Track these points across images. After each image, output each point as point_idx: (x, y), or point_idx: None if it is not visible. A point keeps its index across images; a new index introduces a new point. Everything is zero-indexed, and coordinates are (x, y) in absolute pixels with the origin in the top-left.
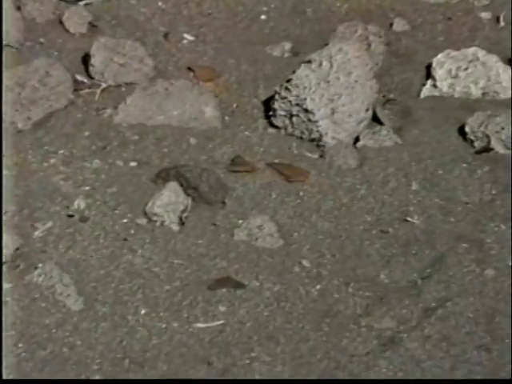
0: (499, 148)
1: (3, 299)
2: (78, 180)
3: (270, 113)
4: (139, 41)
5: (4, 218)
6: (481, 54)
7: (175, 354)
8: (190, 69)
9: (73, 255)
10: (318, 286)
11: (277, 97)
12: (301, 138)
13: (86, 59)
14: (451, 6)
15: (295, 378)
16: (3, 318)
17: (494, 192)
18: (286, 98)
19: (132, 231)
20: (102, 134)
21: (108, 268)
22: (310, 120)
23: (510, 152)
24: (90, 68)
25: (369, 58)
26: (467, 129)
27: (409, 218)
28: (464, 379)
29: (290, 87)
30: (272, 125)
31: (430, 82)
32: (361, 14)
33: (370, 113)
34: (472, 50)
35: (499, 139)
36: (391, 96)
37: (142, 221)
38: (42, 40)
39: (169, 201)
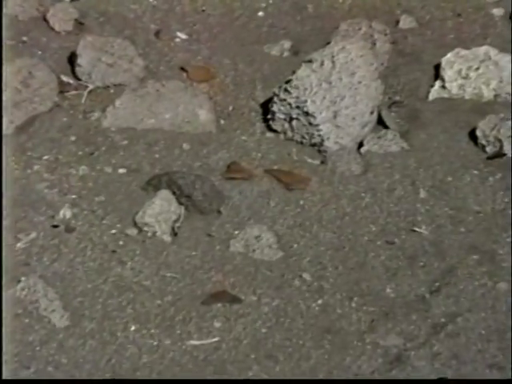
0: None
1: None
2: (63, 188)
3: (269, 116)
4: (129, 39)
5: None
6: (493, 52)
7: (167, 373)
8: (183, 69)
9: (58, 268)
10: (320, 301)
11: (275, 99)
12: (301, 142)
13: (72, 59)
14: (461, 1)
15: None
16: None
17: (506, 200)
18: (285, 100)
19: (121, 242)
20: (89, 138)
21: (96, 282)
22: (310, 124)
23: None
24: (77, 68)
25: (373, 57)
26: (478, 133)
27: (416, 228)
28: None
29: (289, 88)
30: (270, 129)
31: (438, 83)
32: (365, 11)
33: (375, 116)
34: (483, 48)
35: None
36: (397, 98)
37: (132, 231)
38: (24, 38)
39: (160, 210)
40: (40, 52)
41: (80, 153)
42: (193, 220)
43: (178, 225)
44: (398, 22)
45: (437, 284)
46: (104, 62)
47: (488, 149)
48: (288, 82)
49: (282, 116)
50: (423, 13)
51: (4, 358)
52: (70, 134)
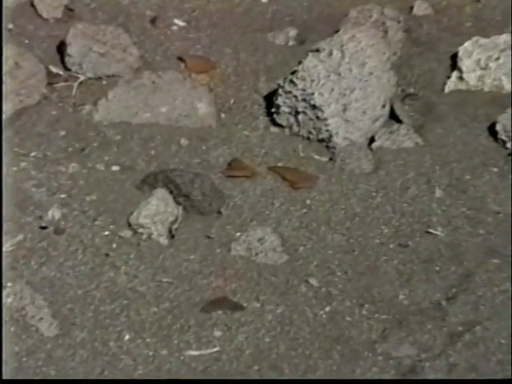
0: None
1: None
2: (52, 187)
3: (273, 109)
4: (122, 27)
5: None
6: None
7: None
8: (180, 59)
9: (46, 273)
10: (328, 308)
11: (280, 91)
12: (308, 138)
13: (61, 48)
14: None
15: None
16: None
17: None
18: (290, 92)
19: (114, 245)
20: (79, 133)
21: (87, 287)
22: (318, 118)
23: None
24: (66, 58)
25: (385, 46)
26: (498, 127)
27: (432, 230)
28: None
29: (295, 80)
30: (275, 123)
31: (455, 74)
32: None
33: (387, 109)
34: (504, 37)
35: None
36: (411, 90)
37: (126, 233)
38: (10, 26)
39: (156, 210)
40: (27, 41)
41: (70, 149)
42: (191, 221)
43: (175, 226)
44: (411, 8)
45: (454, 290)
46: (96, 52)
47: (509, 144)
48: (294, 72)
49: (287, 109)
50: None
51: None
52: (59, 129)
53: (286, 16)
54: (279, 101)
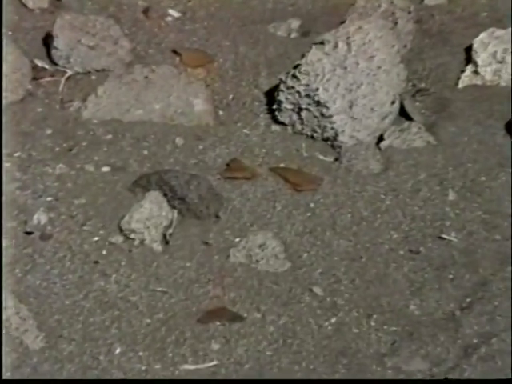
0: None
1: None
2: (38, 189)
3: (274, 106)
4: (113, 18)
5: None
6: None
7: None
8: (175, 52)
9: (32, 281)
10: (333, 319)
11: (282, 86)
12: (312, 136)
13: (47, 40)
14: None
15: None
16: None
17: None
18: (293, 87)
19: (104, 252)
20: (67, 132)
21: (75, 297)
22: (322, 115)
23: None
24: (53, 51)
25: (395, 38)
26: None
27: (444, 236)
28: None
29: (298, 75)
30: (276, 121)
31: (470, 67)
32: None
33: (397, 106)
34: None
35: None
36: (422, 85)
37: (117, 239)
38: None
39: (150, 214)
40: (11, 32)
41: (57, 149)
42: (187, 226)
43: (170, 231)
44: None
45: (468, 300)
46: (84, 45)
47: None
48: (296, 66)
49: (290, 106)
50: None
51: None
52: (45, 127)
53: (288, 6)
54: (281, 97)
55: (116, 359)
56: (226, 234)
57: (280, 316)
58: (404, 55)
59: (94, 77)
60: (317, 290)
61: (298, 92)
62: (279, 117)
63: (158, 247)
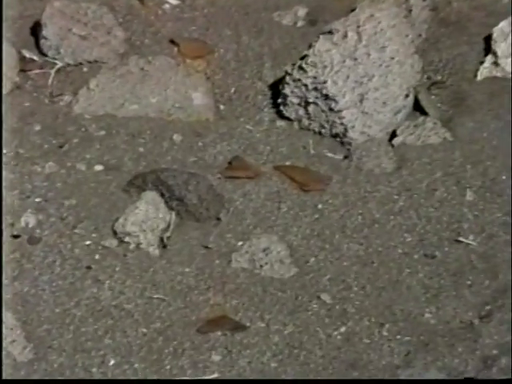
0: None
1: None
2: (25, 189)
3: (279, 100)
4: (106, 5)
5: None
6: None
7: None
8: (173, 42)
9: (19, 288)
10: (343, 329)
11: (288, 79)
12: (319, 133)
13: (35, 30)
14: None
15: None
16: None
17: None
18: (299, 80)
19: (97, 256)
20: (57, 128)
21: (66, 305)
22: (331, 109)
23: None
24: (42, 41)
25: (409, 27)
26: None
27: (462, 239)
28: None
29: (305, 66)
30: (281, 116)
31: (489, 58)
32: None
33: (411, 100)
34: None
35: None
36: (438, 77)
37: (111, 243)
38: None
39: (146, 216)
40: None
41: (46, 146)
42: (186, 229)
43: (167, 234)
44: None
45: (487, 308)
46: (75, 34)
47: None
48: (303, 58)
49: (296, 100)
50: None
51: None
52: (33, 123)
53: None
54: (287, 90)
55: (110, 372)
56: (228, 238)
57: (285, 325)
58: (419, 45)
59: (85, 69)
60: (325, 297)
61: (305, 85)
62: (284, 111)
63: (154, 251)
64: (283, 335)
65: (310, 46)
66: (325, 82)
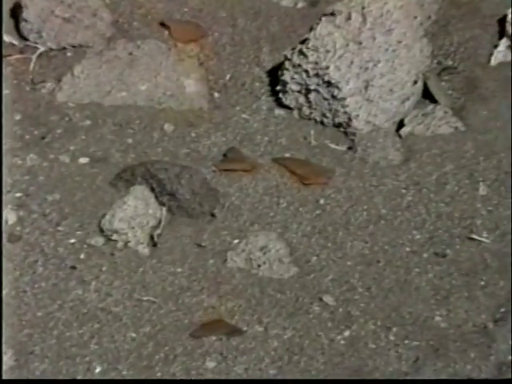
0: None
1: None
2: (5, 183)
3: (278, 87)
4: None
5: None
6: None
7: None
8: (163, 25)
9: None
10: (347, 333)
11: (287, 64)
12: (321, 122)
13: (15, 12)
14: None
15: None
16: None
17: None
18: (300, 66)
19: (83, 256)
20: (39, 117)
21: (49, 308)
22: (334, 97)
23: None
24: (22, 24)
25: (417, 8)
26: None
27: (475, 236)
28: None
29: (305, 51)
30: (280, 104)
31: (504, 42)
32: None
33: (420, 87)
34: None
35: None
36: (449, 63)
37: (97, 241)
38: None
39: (135, 212)
40: None
41: (27, 137)
42: (178, 226)
43: (158, 232)
44: None
45: (502, 310)
46: (58, 16)
47: None
48: (303, 41)
49: (296, 87)
50: None
51: None
52: (14, 112)
53: None
54: (286, 77)
55: (96, 379)
56: (223, 235)
57: (285, 329)
58: (428, 28)
59: (69, 54)
60: (327, 299)
61: (306, 71)
62: (284, 99)
63: (144, 250)
64: (282, 340)
65: (310, 29)
66: (327, 68)
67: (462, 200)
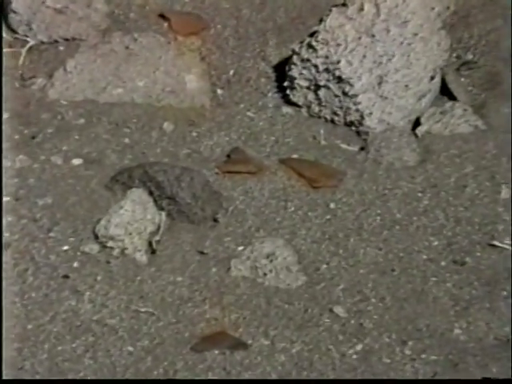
0: None
1: None
2: None
3: (286, 83)
4: None
5: None
6: None
7: None
8: (162, 17)
9: None
10: (359, 346)
11: (295, 59)
12: (332, 121)
13: (3, 3)
14: None
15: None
16: None
17: None
18: (308, 60)
19: (76, 264)
20: (29, 116)
21: (40, 320)
22: (345, 94)
23: None
24: (11, 16)
25: None
26: None
27: (496, 243)
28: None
29: (314, 44)
30: (288, 102)
31: None
32: None
33: (437, 82)
34: None
35: None
36: (469, 57)
37: (92, 248)
38: None
39: (132, 218)
40: None
41: (16, 136)
42: (178, 232)
43: (156, 238)
44: None
45: None
46: (50, 7)
47: None
48: (313, 34)
49: (305, 83)
50: None
51: None
52: (2, 110)
53: None
54: (294, 72)
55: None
56: (226, 242)
57: (293, 343)
58: (446, 19)
59: (61, 47)
60: (338, 310)
61: (315, 66)
62: (291, 96)
63: (142, 258)
64: (290, 354)
65: (320, 21)
66: (338, 63)
67: (482, 204)
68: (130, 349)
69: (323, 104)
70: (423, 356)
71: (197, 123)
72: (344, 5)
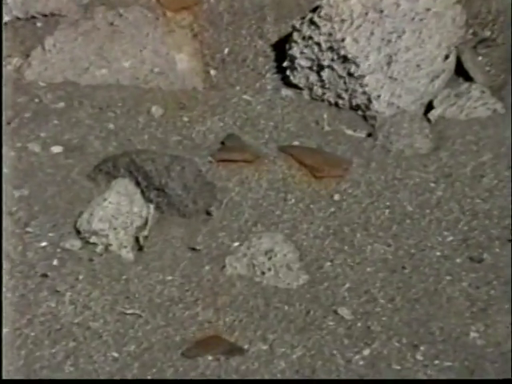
0: None
1: None
2: None
3: (286, 63)
4: None
5: None
6: None
7: None
8: None
9: None
10: (366, 351)
11: (296, 37)
12: (336, 104)
13: None
14: None
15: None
16: None
17: None
18: (311, 38)
19: (55, 262)
20: (4, 99)
21: (16, 323)
22: (351, 75)
23: None
24: None
25: None
26: None
27: None
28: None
29: (317, 20)
30: (288, 83)
31: None
32: None
33: (452, 62)
34: None
35: None
36: (487, 34)
37: (73, 244)
38: None
39: (117, 211)
40: None
41: None
42: (168, 226)
43: (144, 234)
44: None
45: None
46: None
47: None
48: (315, 9)
49: (307, 63)
50: None
51: None
52: None
53: None
54: (294, 51)
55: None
56: (221, 237)
57: (294, 347)
58: None
59: (39, 24)
60: (343, 312)
61: (318, 44)
62: (292, 78)
63: (128, 255)
64: (291, 360)
65: None
66: (343, 40)
67: (501, 195)
68: (115, 354)
69: (327, 86)
70: (436, 362)
71: (188, 107)
72: None
